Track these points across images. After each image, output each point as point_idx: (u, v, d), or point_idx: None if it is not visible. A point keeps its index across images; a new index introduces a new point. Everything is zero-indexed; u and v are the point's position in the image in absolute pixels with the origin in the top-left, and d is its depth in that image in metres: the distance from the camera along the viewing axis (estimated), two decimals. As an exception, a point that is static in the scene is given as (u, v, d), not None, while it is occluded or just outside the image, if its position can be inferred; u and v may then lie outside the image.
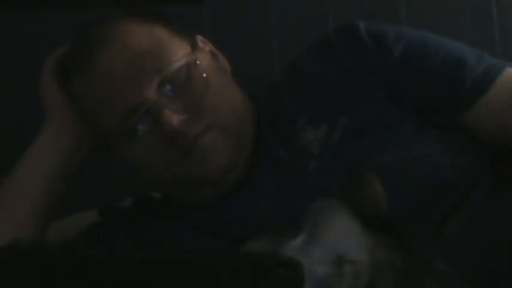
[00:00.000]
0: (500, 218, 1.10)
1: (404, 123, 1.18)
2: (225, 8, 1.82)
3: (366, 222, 0.78)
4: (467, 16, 1.86)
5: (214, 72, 1.22)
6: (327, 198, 0.79)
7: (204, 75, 1.19)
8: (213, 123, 1.18)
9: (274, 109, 1.26)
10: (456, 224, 1.08)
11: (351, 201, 0.88)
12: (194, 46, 1.22)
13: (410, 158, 1.13)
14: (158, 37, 1.20)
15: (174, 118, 1.15)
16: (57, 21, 1.74)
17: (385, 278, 0.79)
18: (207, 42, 1.28)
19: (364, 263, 0.78)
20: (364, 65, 1.21)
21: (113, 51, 1.18)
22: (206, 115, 1.18)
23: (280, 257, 0.81)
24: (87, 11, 1.69)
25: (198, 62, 1.20)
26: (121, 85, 1.17)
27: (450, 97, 1.19)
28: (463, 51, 1.21)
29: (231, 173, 1.21)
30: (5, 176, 1.24)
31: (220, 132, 1.18)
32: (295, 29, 1.82)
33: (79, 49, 1.23)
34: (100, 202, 1.35)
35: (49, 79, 1.26)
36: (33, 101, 1.28)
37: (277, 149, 1.21)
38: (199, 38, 1.26)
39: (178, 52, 1.19)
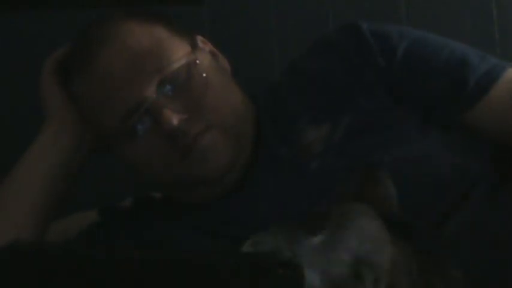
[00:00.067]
0: (500, 218, 1.10)
1: (405, 122, 1.19)
2: (225, 8, 1.82)
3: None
4: (467, 16, 1.86)
5: (214, 72, 1.22)
6: (356, 202, 0.79)
7: (204, 75, 1.19)
8: (213, 123, 1.18)
9: (274, 109, 1.26)
10: (456, 224, 1.08)
11: (363, 201, 0.88)
12: (194, 46, 1.22)
13: (410, 158, 1.14)
14: (158, 37, 1.20)
15: (174, 118, 1.15)
16: (57, 21, 1.74)
17: (402, 283, 0.79)
18: (207, 42, 1.28)
19: (384, 268, 0.77)
20: (368, 64, 1.21)
21: (113, 51, 1.18)
22: (206, 115, 1.18)
23: (280, 257, 0.81)
24: (87, 11, 1.69)
25: (198, 61, 1.20)
26: (121, 85, 1.17)
27: (453, 96, 1.19)
28: (466, 52, 1.21)
29: (231, 173, 1.21)
30: (5, 176, 1.24)
31: (220, 132, 1.18)
32: (295, 29, 1.82)
33: (79, 49, 1.23)
34: (100, 202, 1.35)
35: (49, 79, 1.26)
36: (33, 101, 1.28)
37: (278, 148, 1.21)
38: (199, 38, 1.26)
39: (178, 52, 1.19)
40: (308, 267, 0.79)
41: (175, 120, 1.15)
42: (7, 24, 1.74)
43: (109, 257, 0.88)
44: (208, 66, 1.22)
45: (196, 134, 1.17)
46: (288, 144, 1.21)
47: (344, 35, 1.25)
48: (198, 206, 1.23)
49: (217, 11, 1.81)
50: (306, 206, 1.11)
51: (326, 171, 1.16)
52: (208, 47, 1.27)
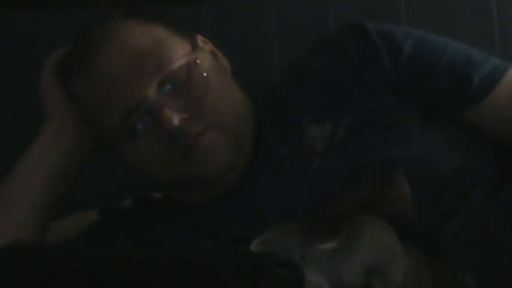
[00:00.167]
0: (500, 218, 1.10)
1: (406, 122, 1.19)
2: (225, 8, 1.82)
3: (393, 226, 0.77)
4: (467, 16, 1.86)
5: (214, 71, 1.22)
6: (369, 215, 0.78)
7: (205, 74, 1.19)
8: (213, 122, 1.18)
9: (275, 109, 1.26)
10: (456, 224, 1.08)
11: (378, 200, 0.87)
12: (194, 46, 1.22)
13: (410, 158, 1.14)
14: (158, 37, 1.20)
15: (174, 117, 1.15)
16: (57, 21, 1.73)
17: None
18: (207, 42, 1.28)
19: (396, 280, 0.77)
20: (373, 63, 1.21)
21: (113, 51, 1.18)
22: (206, 114, 1.18)
23: (280, 257, 0.81)
24: (87, 11, 1.69)
25: (198, 61, 1.20)
26: (121, 85, 1.17)
27: (456, 95, 1.19)
28: (469, 52, 1.22)
29: (231, 173, 1.21)
30: (5, 176, 1.24)
31: (220, 132, 1.18)
32: (295, 29, 1.81)
33: (79, 49, 1.23)
34: (100, 202, 1.35)
35: (49, 79, 1.26)
36: (33, 101, 1.28)
37: (279, 148, 1.21)
38: (200, 38, 1.26)
39: (179, 52, 1.19)
40: (318, 273, 0.79)
41: (175, 120, 1.15)
42: (7, 24, 1.74)
43: (109, 257, 0.87)
44: (209, 66, 1.22)
45: (196, 134, 1.17)
46: (289, 144, 1.21)
47: (347, 35, 1.26)
48: (198, 206, 1.23)
49: (217, 11, 1.81)
50: (306, 206, 1.12)
51: (327, 171, 1.16)
52: (209, 46, 1.27)
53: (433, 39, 1.25)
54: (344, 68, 1.24)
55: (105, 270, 0.84)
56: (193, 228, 1.21)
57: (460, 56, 1.21)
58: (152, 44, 1.19)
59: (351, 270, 0.77)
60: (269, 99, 1.28)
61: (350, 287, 0.77)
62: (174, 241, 1.19)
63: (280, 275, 0.78)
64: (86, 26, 1.25)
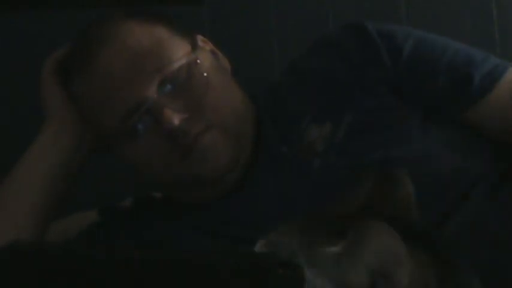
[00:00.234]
0: (500, 218, 1.10)
1: (406, 122, 1.19)
2: (225, 8, 1.82)
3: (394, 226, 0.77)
4: (467, 16, 1.86)
5: (214, 71, 1.22)
6: (374, 219, 0.78)
7: (205, 74, 1.19)
8: (213, 122, 1.18)
9: (275, 109, 1.26)
10: (456, 224, 1.08)
11: (380, 201, 0.87)
12: (194, 46, 1.22)
13: (410, 158, 1.14)
14: (158, 37, 1.20)
15: (174, 117, 1.15)
16: (57, 21, 1.74)
17: None
18: (208, 42, 1.28)
19: (402, 283, 0.77)
20: (373, 63, 1.21)
21: (113, 51, 1.18)
22: (206, 114, 1.18)
23: (280, 257, 0.81)
24: (87, 11, 1.69)
25: (198, 61, 1.20)
26: (121, 85, 1.17)
27: (457, 94, 1.20)
28: (470, 51, 1.23)
29: (231, 173, 1.21)
30: (5, 176, 1.24)
31: (220, 132, 1.18)
32: (295, 29, 1.81)
33: (79, 49, 1.23)
34: (100, 202, 1.35)
35: (49, 79, 1.26)
36: (33, 101, 1.28)
37: (280, 147, 1.21)
38: (200, 38, 1.26)
39: (179, 51, 1.19)
40: (323, 276, 0.78)
41: (176, 119, 1.15)
42: (7, 24, 1.74)
43: (109, 257, 0.87)
44: (209, 66, 1.22)
45: (196, 134, 1.17)
46: (289, 143, 1.21)
47: (347, 35, 1.26)
48: (198, 206, 1.23)
49: (217, 11, 1.81)
50: (306, 206, 1.12)
51: (327, 170, 1.16)
52: (209, 46, 1.27)
53: (434, 39, 1.25)
54: (344, 67, 1.24)
55: (105, 270, 0.84)
56: (193, 228, 1.21)
57: (460, 55, 1.21)
58: (152, 44, 1.19)
59: (356, 274, 0.77)
60: (269, 99, 1.28)
61: None
62: (174, 241, 1.19)
63: (280, 275, 0.78)
64: (86, 26, 1.25)
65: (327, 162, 1.17)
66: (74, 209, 1.37)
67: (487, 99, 1.19)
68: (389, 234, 0.76)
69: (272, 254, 0.82)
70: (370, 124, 1.19)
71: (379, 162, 1.13)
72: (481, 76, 1.19)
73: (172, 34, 1.21)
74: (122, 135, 1.19)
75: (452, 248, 0.90)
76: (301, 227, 0.83)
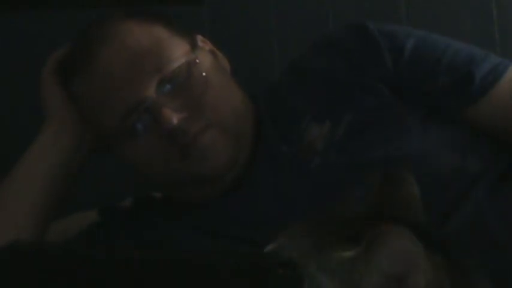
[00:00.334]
0: (500, 218, 1.10)
1: (406, 121, 1.19)
2: (225, 8, 1.82)
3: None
4: (467, 16, 1.86)
5: (214, 71, 1.22)
6: (397, 226, 0.77)
7: (204, 74, 1.19)
8: (212, 122, 1.18)
9: (275, 108, 1.26)
10: (456, 224, 1.08)
11: (388, 202, 0.86)
12: (194, 45, 1.22)
13: (410, 158, 1.14)
14: (158, 36, 1.20)
15: (173, 116, 1.15)
16: (57, 21, 1.74)
17: None
18: (207, 42, 1.28)
19: (418, 287, 0.76)
20: (374, 62, 1.21)
21: (112, 50, 1.18)
22: (206, 113, 1.18)
23: (280, 257, 0.81)
24: (87, 11, 1.69)
25: (197, 60, 1.20)
26: (121, 84, 1.17)
27: (458, 92, 1.20)
28: (470, 50, 1.23)
29: (230, 172, 1.21)
30: (5, 176, 1.24)
31: (220, 132, 1.18)
32: (295, 29, 1.81)
33: (79, 49, 1.24)
34: (100, 202, 1.35)
35: (49, 79, 1.26)
36: (33, 101, 1.28)
37: (279, 147, 1.21)
38: (199, 38, 1.27)
39: (178, 51, 1.20)
40: (335, 281, 0.78)
41: (174, 119, 1.15)
42: (7, 24, 1.74)
43: (109, 257, 0.87)
44: (208, 66, 1.22)
45: (195, 133, 1.17)
46: (289, 143, 1.21)
47: (348, 35, 1.26)
48: (198, 205, 1.23)
49: (217, 11, 1.81)
50: (306, 205, 1.12)
51: (327, 169, 1.16)
52: (208, 46, 1.28)
53: (434, 38, 1.25)
54: (344, 67, 1.24)
55: (105, 270, 0.84)
56: (193, 228, 1.21)
57: (461, 54, 1.22)
58: (152, 44, 1.19)
59: (371, 278, 0.77)
60: (269, 99, 1.28)
61: None
62: (174, 241, 1.19)
63: (280, 275, 0.78)
64: (86, 26, 1.25)
65: (326, 161, 1.17)
66: (74, 209, 1.37)
67: (488, 98, 1.19)
68: (409, 240, 0.75)
69: (272, 254, 0.82)
70: (370, 123, 1.19)
71: (378, 162, 1.13)
72: (482, 75, 1.19)
73: (171, 34, 1.21)
74: (121, 134, 1.19)
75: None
76: (310, 230, 0.82)
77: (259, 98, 1.29)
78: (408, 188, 0.89)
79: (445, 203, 1.10)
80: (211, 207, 1.22)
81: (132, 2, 1.56)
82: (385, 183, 0.88)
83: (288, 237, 0.83)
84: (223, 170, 1.20)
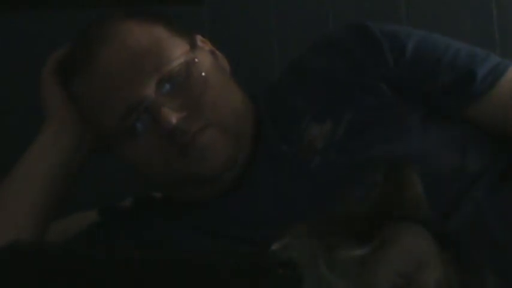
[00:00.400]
0: (500, 218, 1.10)
1: (406, 121, 1.19)
2: (225, 8, 1.82)
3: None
4: (467, 16, 1.86)
5: (213, 71, 1.22)
6: (407, 222, 0.77)
7: (203, 74, 1.20)
8: (212, 121, 1.18)
9: (275, 109, 1.26)
10: (456, 224, 1.08)
11: (390, 201, 0.86)
12: (193, 45, 1.22)
13: (410, 157, 1.14)
14: (157, 36, 1.20)
15: (172, 116, 1.15)
16: (57, 21, 1.73)
17: None
18: (207, 42, 1.28)
19: (429, 285, 0.76)
20: (376, 62, 1.22)
21: (112, 50, 1.18)
22: (205, 113, 1.18)
23: (280, 257, 0.81)
24: (87, 11, 1.69)
25: (196, 60, 1.20)
26: (120, 84, 1.17)
27: (459, 91, 1.20)
28: (471, 49, 1.24)
29: (230, 172, 1.21)
30: (5, 176, 1.24)
31: (219, 131, 1.19)
32: (295, 29, 1.81)
33: (79, 49, 1.24)
34: (100, 202, 1.35)
35: (49, 79, 1.26)
36: (33, 101, 1.27)
37: (280, 146, 1.21)
38: (199, 38, 1.27)
39: (177, 51, 1.20)
40: (346, 279, 0.78)
41: (173, 118, 1.15)
42: (7, 24, 1.74)
43: (109, 257, 0.87)
44: (208, 65, 1.22)
45: (195, 133, 1.17)
46: (289, 142, 1.21)
47: (349, 35, 1.26)
48: (197, 205, 1.23)
49: (217, 11, 1.81)
50: (307, 204, 1.12)
51: (327, 168, 1.16)
52: (208, 46, 1.28)
53: (435, 38, 1.25)
54: (344, 67, 1.24)
55: (105, 270, 0.84)
56: (193, 228, 1.21)
57: (462, 54, 1.22)
58: (151, 44, 1.19)
59: (383, 276, 0.76)
60: (269, 99, 1.28)
61: None
62: (174, 241, 1.19)
63: (280, 275, 0.78)
64: (86, 26, 1.25)
65: (326, 160, 1.17)
66: (74, 209, 1.37)
67: (488, 98, 1.19)
68: (424, 237, 0.75)
69: (272, 254, 0.82)
70: (370, 123, 1.19)
71: (378, 161, 1.13)
72: (483, 74, 1.19)
73: (171, 34, 1.21)
74: (121, 134, 1.19)
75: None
76: (315, 230, 0.82)
77: (259, 98, 1.29)
78: (412, 187, 0.89)
79: (445, 203, 1.10)
80: (211, 207, 1.22)
81: (132, 2, 1.56)
82: (389, 182, 0.88)
83: (293, 237, 0.82)
84: (223, 169, 1.20)
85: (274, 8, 1.83)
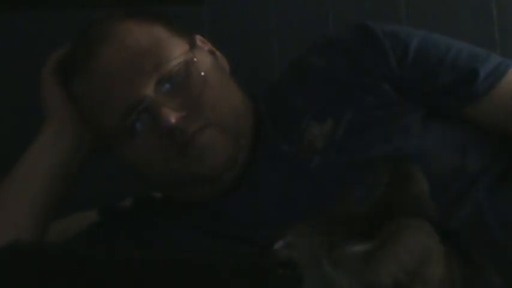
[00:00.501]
0: (500, 218, 1.10)
1: (406, 120, 1.19)
2: (225, 8, 1.82)
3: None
4: (467, 16, 1.86)
5: (212, 71, 1.22)
6: (417, 220, 0.77)
7: (202, 73, 1.20)
8: (211, 121, 1.18)
9: (275, 109, 1.26)
10: (456, 223, 1.08)
11: (395, 200, 0.86)
12: (193, 45, 1.22)
13: (410, 157, 1.14)
14: (157, 36, 1.20)
15: (172, 115, 1.15)
16: (57, 21, 1.74)
17: None
18: (206, 42, 1.28)
19: (434, 282, 0.76)
20: (379, 61, 1.22)
21: (111, 50, 1.19)
22: (204, 113, 1.18)
23: (280, 257, 0.81)
24: (87, 11, 1.69)
25: (195, 60, 1.20)
26: (120, 84, 1.17)
27: (461, 90, 1.20)
28: (473, 49, 1.24)
29: (229, 172, 1.21)
30: (5, 176, 1.24)
31: (219, 131, 1.19)
32: (295, 29, 1.81)
33: (79, 49, 1.24)
34: (100, 202, 1.35)
35: (49, 79, 1.26)
36: (33, 101, 1.27)
37: (280, 146, 1.21)
38: (198, 38, 1.27)
39: (177, 51, 1.20)
40: (350, 276, 0.78)
41: (173, 118, 1.15)
42: (7, 24, 1.74)
43: (109, 257, 0.88)
44: (207, 65, 1.22)
45: (194, 132, 1.17)
46: (289, 142, 1.21)
47: (350, 35, 1.26)
48: (198, 205, 1.23)
49: (217, 11, 1.81)
50: (306, 203, 1.12)
51: (327, 168, 1.16)
52: (208, 46, 1.28)
53: (436, 38, 1.25)
54: (344, 66, 1.24)
55: (105, 270, 0.84)
56: (193, 228, 1.21)
57: (464, 54, 1.22)
58: (151, 44, 1.19)
59: (387, 272, 0.76)
60: (269, 99, 1.28)
61: None
62: (174, 241, 1.19)
63: (280, 275, 0.78)
64: (86, 26, 1.25)
65: (326, 160, 1.17)
66: (74, 209, 1.37)
67: (489, 98, 1.19)
68: (428, 233, 0.75)
69: (272, 254, 0.82)
70: (370, 123, 1.19)
71: (379, 161, 1.13)
72: (485, 74, 1.20)
73: (170, 34, 1.21)
74: (121, 134, 1.19)
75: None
76: (317, 229, 0.82)
77: (259, 98, 1.29)
78: (417, 185, 0.88)
79: (445, 203, 1.09)
80: (211, 207, 1.22)
81: (132, 2, 1.56)
82: (393, 180, 0.88)
83: (294, 236, 0.82)
84: (222, 169, 1.20)
85: (274, 8, 1.83)
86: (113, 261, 0.85)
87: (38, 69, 1.27)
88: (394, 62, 1.21)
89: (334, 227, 0.81)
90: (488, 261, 0.88)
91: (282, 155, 1.20)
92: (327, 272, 0.78)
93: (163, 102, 1.16)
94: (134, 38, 1.19)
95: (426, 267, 0.76)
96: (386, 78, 1.21)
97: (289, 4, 1.84)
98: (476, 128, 1.21)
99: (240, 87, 1.26)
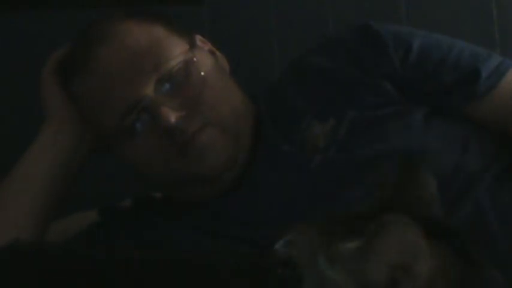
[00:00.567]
0: (500, 217, 1.10)
1: (407, 120, 1.19)
2: (225, 8, 1.82)
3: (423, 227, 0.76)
4: (467, 16, 1.86)
5: (212, 71, 1.22)
6: (397, 215, 0.77)
7: (202, 73, 1.20)
8: (211, 121, 1.18)
9: (275, 109, 1.26)
10: (456, 222, 1.08)
11: (404, 202, 0.86)
12: (192, 45, 1.22)
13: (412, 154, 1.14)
14: (157, 36, 1.20)
15: (171, 115, 1.15)
16: (57, 21, 1.73)
17: None
18: (206, 42, 1.28)
19: (422, 277, 0.76)
20: (381, 61, 1.22)
21: (111, 50, 1.19)
22: (204, 112, 1.18)
23: (280, 257, 0.81)
24: (87, 11, 1.69)
25: (195, 59, 1.20)
26: (120, 84, 1.17)
27: (463, 89, 1.20)
28: (474, 48, 1.24)
29: (229, 172, 1.21)
30: (5, 176, 1.24)
31: (219, 131, 1.19)
32: (295, 29, 1.81)
33: (79, 49, 1.24)
34: (100, 202, 1.35)
35: (49, 79, 1.26)
36: (33, 101, 1.27)
37: (280, 145, 1.21)
38: (198, 38, 1.27)
39: (176, 50, 1.20)
40: (345, 273, 0.78)
41: (172, 117, 1.15)
42: (7, 24, 1.74)
43: (109, 257, 0.88)
44: (207, 65, 1.22)
45: (194, 132, 1.17)
46: (290, 142, 1.21)
47: (351, 35, 1.26)
48: (198, 205, 1.23)
49: (217, 11, 1.81)
50: (307, 203, 1.12)
51: (327, 167, 1.16)
52: (207, 46, 1.28)
53: (438, 38, 1.26)
54: (345, 66, 1.24)
55: (105, 270, 0.84)
56: (193, 228, 1.21)
57: (466, 54, 1.22)
58: (150, 43, 1.19)
59: (376, 267, 0.76)
60: (269, 99, 1.28)
61: (376, 286, 0.77)
62: (174, 241, 1.19)
63: (280, 275, 0.78)
64: (86, 26, 1.25)
65: (327, 159, 1.17)
66: (74, 209, 1.37)
67: (490, 97, 1.20)
68: (408, 227, 0.75)
69: (272, 254, 0.82)
70: (371, 122, 1.19)
71: (379, 161, 1.13)
72: (486, 74, 1.20)
73: (170, 33, 1.21)
74: (121, 134, 1.19)
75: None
76: (319, 227, 0.82)
77: (259, 98, 1.29)
78: (425, 185, 0.88)
79: (445, 203, 1.09)
80: (211, 207, 1.22)
81: (132, 2, 1.56)
82: (401, 179, 0.88)
83: (294, 236, 0.82)
84: (222, 169, 1.20)
85: (274, 8, 1.83)
86: (113, 261, 0.85)
87: (38, 69, 1.27)
88: (397, 62, 1.22)
89: (332, 227, 0.81)
90: (488, 261, 0.88)
91: (282, 155, 1.20)
92: (324, 269, 0.78)
93: (163, 102, 1.16)
94: (134, 38, 1.19)
95: (413, 262, 0.76)
96: (388, 77, 1.21)
97: (289, 4, 1.84)
98: (477, 127, 1.21)
99: (240, 87, 1.26)
